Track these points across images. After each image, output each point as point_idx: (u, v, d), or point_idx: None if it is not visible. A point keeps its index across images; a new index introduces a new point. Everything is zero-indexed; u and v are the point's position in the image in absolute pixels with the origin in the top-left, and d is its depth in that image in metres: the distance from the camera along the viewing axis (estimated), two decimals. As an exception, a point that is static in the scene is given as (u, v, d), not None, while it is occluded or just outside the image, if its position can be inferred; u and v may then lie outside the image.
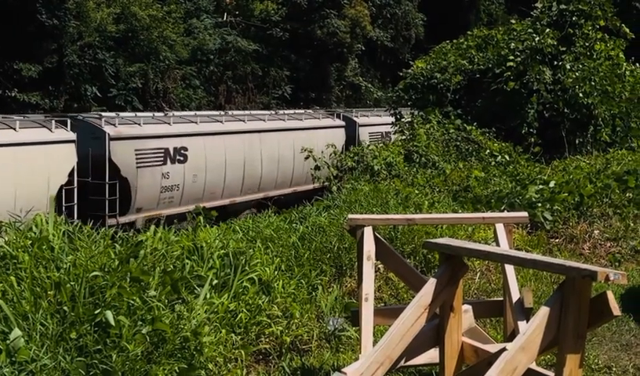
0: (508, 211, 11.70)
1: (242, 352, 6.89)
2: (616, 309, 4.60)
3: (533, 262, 5.33)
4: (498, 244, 6.61)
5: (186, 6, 38.77)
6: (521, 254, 6.02)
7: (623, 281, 4.56)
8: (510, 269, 6.43)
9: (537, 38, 21.08)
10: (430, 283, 5.40)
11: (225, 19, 42.26)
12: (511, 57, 21.02)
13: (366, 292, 6.27)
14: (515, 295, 6.28)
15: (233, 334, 6.98)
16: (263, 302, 7.49)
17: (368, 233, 6.48)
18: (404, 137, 19.82)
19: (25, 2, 29.22)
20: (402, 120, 21.74)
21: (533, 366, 5.11)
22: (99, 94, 32.26)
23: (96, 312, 5.83)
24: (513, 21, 24.36)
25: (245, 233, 9.79)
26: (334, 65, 45.72)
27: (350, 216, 6.89)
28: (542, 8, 22.21)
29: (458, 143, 18.94)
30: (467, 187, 14.83)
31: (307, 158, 18.52)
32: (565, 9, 21.60)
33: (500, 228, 6.66)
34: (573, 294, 4.63)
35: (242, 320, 7.17)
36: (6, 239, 7.16)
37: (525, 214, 7.38)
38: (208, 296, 7.03)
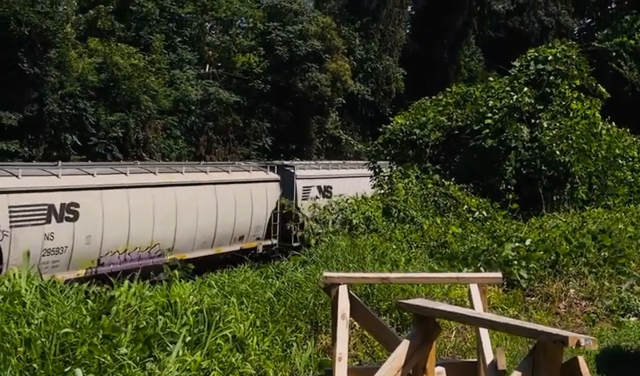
0: (484, 268, 11.72)
1: (214, 411, 6.82)
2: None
3: (505, 325, 5.35)
4: (472, 304, 6.61)
5: (169, 57, 39.01)
6: (494, 317, 6.02)
7: (593, 347, 4.58)
8: (484, 331, 6.41)
9: (515, 96, 21.32)
10: (403, 345, 5.38)
11: (207, 70, 42.53)
12: (489, 114, 21.23)
13: (340, 352, 6.23)
14: (489, 357, 6.25)
15: (205, 393, 6.91)
16: (236, 360, 7.42)
17: (343, 291, 6.47)
18: (382, 191, 19.90)
19: (6, 51, 29.29)
20: (381, 174, 21.85)
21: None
22: (79, 142, 32.21)
23: (66, 369, 5.76)
24: (491, 79, 24.65)
25: (221, 288, 9.74)
26: (315, 117, 46.04)
27: (326, 274, 6.88)
28: (520, 66, 22.48)
29: (436, 199, 19.02)
30: (444, 243, 14.87)
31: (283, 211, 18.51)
32: (542, 68, 21.90)
33: (474, 288, 6.66)
34: (544, 359, 4.64)
35: (215, 378, 7.09)
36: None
37: (499, 274, 7.39)
38: (180, 353, 6.95)
